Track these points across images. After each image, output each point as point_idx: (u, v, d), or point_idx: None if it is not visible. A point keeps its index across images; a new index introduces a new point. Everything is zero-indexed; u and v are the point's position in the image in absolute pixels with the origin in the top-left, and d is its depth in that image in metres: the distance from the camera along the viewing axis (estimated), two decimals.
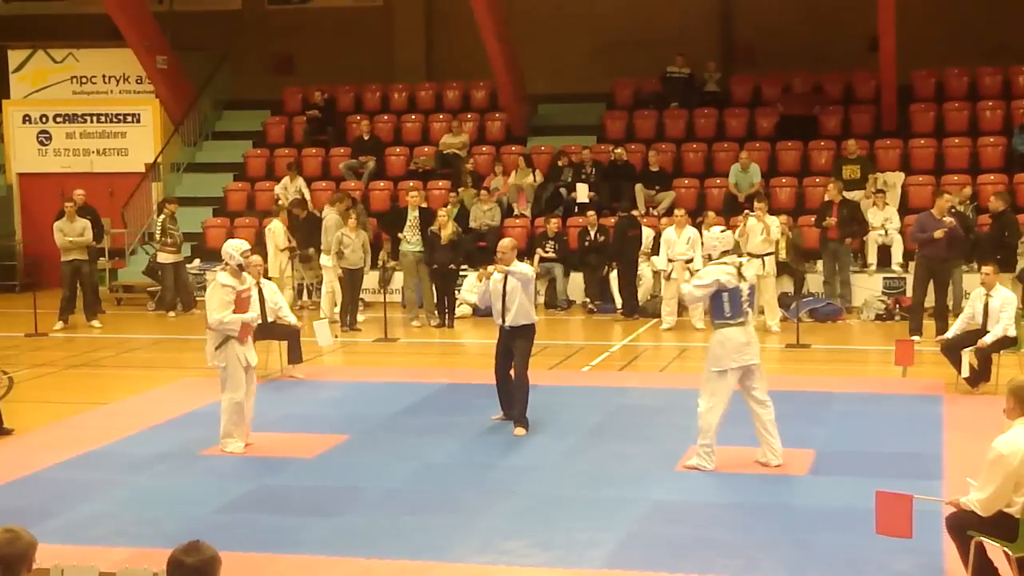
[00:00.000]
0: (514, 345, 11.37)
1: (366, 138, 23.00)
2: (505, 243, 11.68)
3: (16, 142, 24.14)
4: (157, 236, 19.97)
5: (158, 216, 20.28)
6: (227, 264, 10.69)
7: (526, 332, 11.38)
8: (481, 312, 18.55)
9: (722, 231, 10.18)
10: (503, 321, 11.39)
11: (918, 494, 7.19)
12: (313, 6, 26.28)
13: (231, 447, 10.65)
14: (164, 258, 19.79)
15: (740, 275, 9.80)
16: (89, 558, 7.58)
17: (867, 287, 18.80)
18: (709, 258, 10.06)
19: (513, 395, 11.42)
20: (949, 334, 13.04)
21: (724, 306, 9.73)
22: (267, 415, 11.47)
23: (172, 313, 19.70)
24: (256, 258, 13.50)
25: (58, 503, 9.16)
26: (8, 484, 9.77)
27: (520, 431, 11.18)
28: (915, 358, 13.30)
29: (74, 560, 7.41)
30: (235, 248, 10.68)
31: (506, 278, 11.34)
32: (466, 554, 7.97)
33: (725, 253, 9.91)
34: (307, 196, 21.33)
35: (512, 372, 11.44)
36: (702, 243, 17.74)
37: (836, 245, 18.58)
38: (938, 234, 15.61)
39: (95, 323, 18.52)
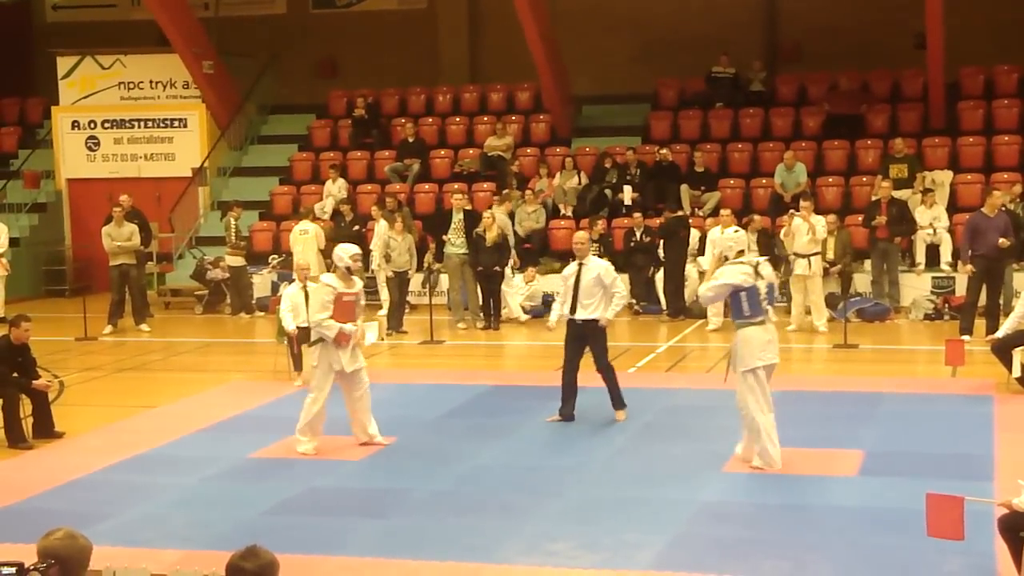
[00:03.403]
0: (592, 339, 11.56)
1: (411, 140, 23.07)
2: (580, 235, 11.96)
3: (65, 148, 24.40)
4: (232, 239, 20.14)
5: (222, 219, 20.51)
6: (335, 266, 10.88)
7: (592, 324, 11.56)
8: (534, 313, 18.58)
9: (736, 231, 10.27)
10: (574, 314, 11.51)
11: (969, 495, 7.12)
12: (357, 10, 26.38)
13: (302, 447, 10.70)
14: (234, 261, 20.00)
15: (757, 274, 9.81)
16: (140, 560, 7.65)
17: (916, 286, 18.61)
18: (725, 259, 10.08)
19: (605, 384, 11.71)
20: (1000, 333, 12.88)
21: (743, 306, 9.78)
22: None
23: (245, 314, 19.85)
24: (305, 261, 13.62)
25: (109, 505, 9.25)
26: (60, 487, 9.88)
27: (621, 415, 11.60)
28: (965, 358, 13.16)
29: (126, 562, 7.49)
30: (345, 251, 10.83)
31: (580, 270, 11.49)
32: (513, 555, 7.97)
33: (740, 253, 9.96)
34: (343, 196, 21.53)
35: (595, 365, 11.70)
36: (721, 243, 17.69)
37: (886, 244, 18.42)
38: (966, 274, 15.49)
39: (144, 327, 18.69)
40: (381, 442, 10.92)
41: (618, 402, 11.76)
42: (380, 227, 18.86)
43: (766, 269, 10.02)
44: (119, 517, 8.95)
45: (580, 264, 11.61)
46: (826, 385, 13.57)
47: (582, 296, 11.47)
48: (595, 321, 11.51)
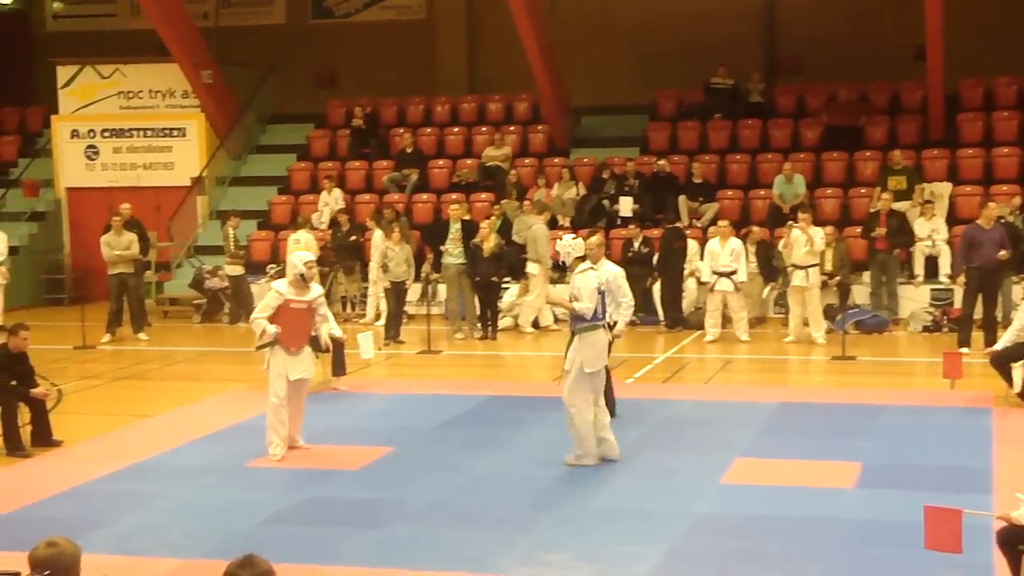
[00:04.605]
0: None
1: (409, 151, 23.09)
2: (592, 241, 11.91)
3: (64, 157, 24.42)
4: (232, 248, 20.15)
5: (222, 228, 20.55)
6: (291, 273, 10.87)
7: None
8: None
9: (573, 239, 10.55)
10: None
11: (967, 508, 7.10)
12: (356, 20, 26.43)
13: (271, 451, 10.84)
14: (233, 270, 20.00)
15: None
16: (136, 569, 7.64)
17: (914, 299, 18.61)
18: (563, 265, 10.37)
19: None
20: (999, 346, 12.86)
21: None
22: (312, 427, 11.52)
23: (244, 323, 19.91)
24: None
25: (106, 514, 9.24)
26: (57, 495, 9.86)
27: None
28: (963, 370, 13.15)
29: (122, 571, 7.47)
30: (299, 259, 10.91)
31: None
32: (509, 567, 7.96)
33: (578, 260, 10.28)
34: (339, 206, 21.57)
35: None
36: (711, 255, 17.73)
37: (884, 256, 18.42)
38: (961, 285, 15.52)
39: (142, 336, 18.68)
40: (303, 446, 11.08)
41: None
42: (376, 237, 18.89)
43: (602, 276, 10.58)
44: (116, 526, 8.94)
45: (592, 268, 11.62)
46: (824, 397, 13.56)
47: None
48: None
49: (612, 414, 11.88)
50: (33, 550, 4.76)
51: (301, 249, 18.85)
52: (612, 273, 11.65)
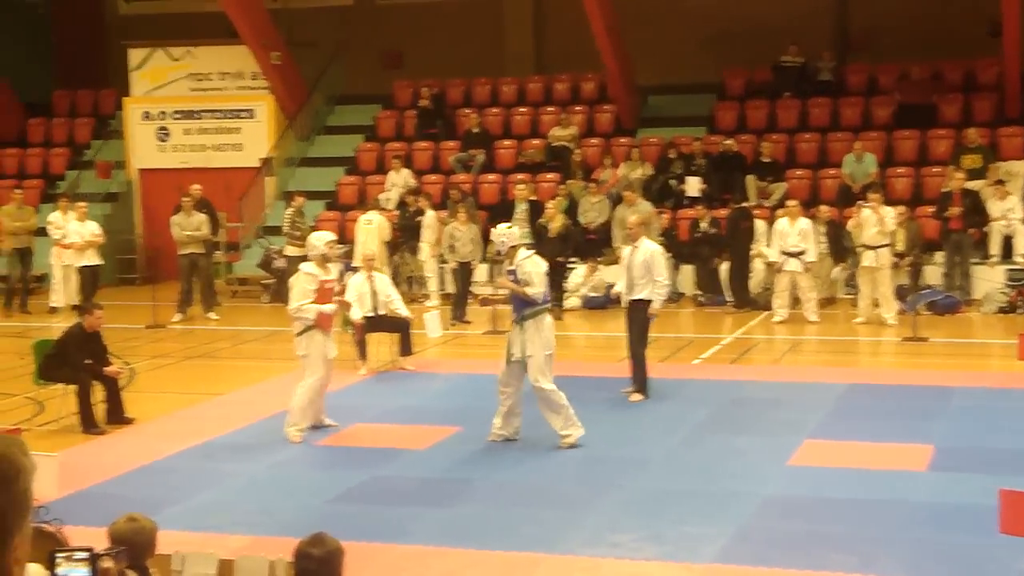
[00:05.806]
0: (632, 320, 12.01)
1: (475, 131, 23.09)
2: (632, 219, 12.34)
3: (136, 138, 24.73)
4: (285, 229, 20.16)
5: (286, 209, 20.60)
6: (311, 254, 10.95)
7: (640, 304, 11.92)
8: (591, 304, 18.53)
9: (509, 227, 10.73)
10: (629, 294, 11.98)
11: None
12: (423, 0, 26.45)
13: (293, 435, 10.71)
14: (292, 251, 20.00)
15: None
16: (208, 545, 7.74)
17: (989, 279, 18.30)
18: (499, 254, 10.61)
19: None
20: None
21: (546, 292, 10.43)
22: (379, 407, 11.60)
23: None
24: (370, 250, 13.62)
25: (177, 491, 9.37)
26: (130, 472, 10.02)
27: (636, 396, 11.94)
28: None
29: (194, 547, 7.57)
30: (319, 239, 10.98)
31: (633, 252, 11.92)
32: (576, 547, 7.96)
33: (514, 248, 10.41)
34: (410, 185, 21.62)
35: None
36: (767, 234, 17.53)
37: (959, 236, 18.13)
38: None
39: (212, 315, 18.87)
40: (331, 423, 11.11)
41: (638, 385, 12.05)
42: (428, 218, 19.03)
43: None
44: (187, 503, 9.07)
45: (633, 247, 11.94)
46: (895, 379, 13.40)
47: (635, 278, 11.89)
48: (642, 301, 11.87)
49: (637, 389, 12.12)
50: (113, 524, 4.85)
51: (373, 230, 19.04)
52: (650, 251, 11.87)
